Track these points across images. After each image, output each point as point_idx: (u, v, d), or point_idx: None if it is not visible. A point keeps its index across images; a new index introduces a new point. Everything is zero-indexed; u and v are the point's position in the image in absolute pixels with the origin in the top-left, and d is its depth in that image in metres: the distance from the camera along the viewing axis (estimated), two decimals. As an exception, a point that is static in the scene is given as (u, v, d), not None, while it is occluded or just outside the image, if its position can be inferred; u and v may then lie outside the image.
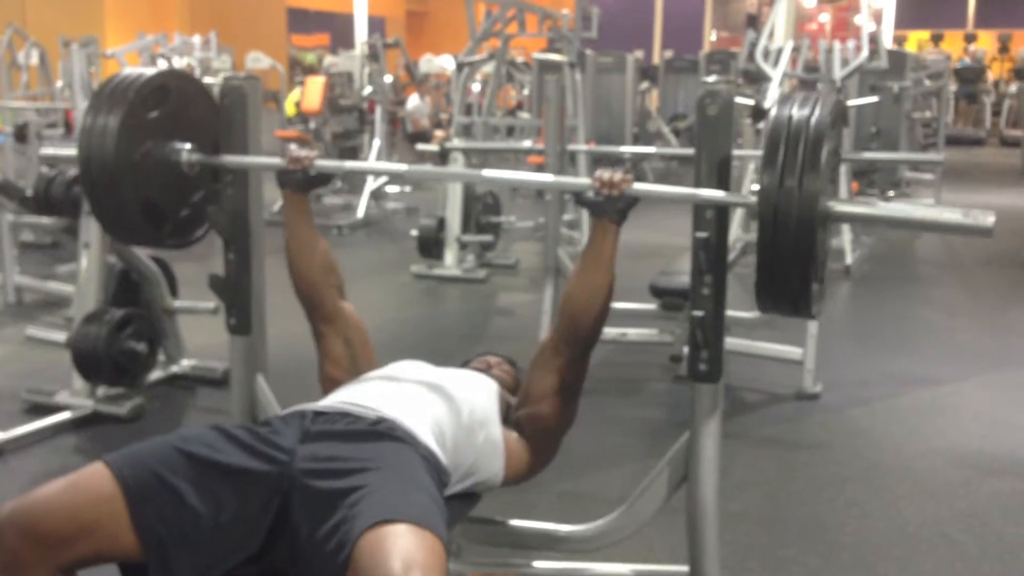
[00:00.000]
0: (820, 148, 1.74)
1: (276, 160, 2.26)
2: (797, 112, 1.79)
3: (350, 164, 2.31)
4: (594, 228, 2.05)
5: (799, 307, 1.83)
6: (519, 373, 2.49)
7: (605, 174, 1.99)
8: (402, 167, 2.24)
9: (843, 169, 6.84)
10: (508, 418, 2.18)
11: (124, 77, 2.22)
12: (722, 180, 1.97)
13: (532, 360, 2.16)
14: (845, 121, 6.81)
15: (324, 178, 2.27)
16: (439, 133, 11.64)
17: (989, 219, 1.73)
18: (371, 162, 2.19)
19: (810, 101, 1.82)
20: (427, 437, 1.87)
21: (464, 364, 2.44)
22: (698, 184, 1.98)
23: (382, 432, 1.83)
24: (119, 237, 2.30)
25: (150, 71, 2.26)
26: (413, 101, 12.85)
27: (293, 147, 2.26)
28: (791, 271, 1.77)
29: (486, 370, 2.36)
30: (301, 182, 2.24)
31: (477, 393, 2.09)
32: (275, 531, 1.71)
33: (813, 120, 1.77)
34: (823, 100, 1.82)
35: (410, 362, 2.19)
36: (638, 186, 2.01)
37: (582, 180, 2.06)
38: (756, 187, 1.78)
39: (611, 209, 2.01)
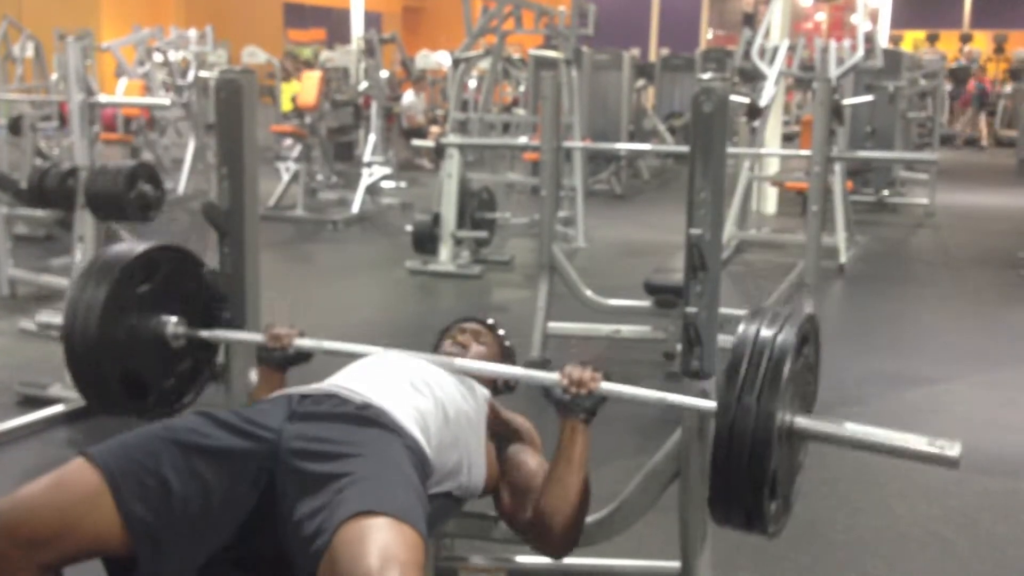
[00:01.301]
0: (782, 366, 1.74)
1: (257, 336, 2.25)
2: (764, 329, 1.79)
3: (329, 344, 2.22)
4: (563, 428, 1.99)
5: (752, 523, 1.80)
6: (501, 342, 2.46)
7: (575, 372, 1.95)
8: (377, 350, 2.16)
9: (838, 168, 6.86)
10: (496, 432, 2.18)
11: (114, 252, 2.22)
12: (716, 178, 1.98)
13: (526, 476, 2.12)
14: (840, 120, 6.81)
15: (304, 356, 2.23)
16: (435, 129, 11.64)
17: (955, 450, 1.71)
18: (351, 345, 2.15)
19: (779, 319, 1.81)
20: (413, 428, 1.87)
21: (442, 333, 2.43)
22: (692, 179, 1.99)
23: (369, 418, 1.82)
24: (101, 408, 2.29)
25: (141, 247, 2.24)
26: (408, 97, 12.84)
27: (276, 327, 2.23)
28: (744, 486, 1.75)
29: (466, 349, 2.34)
30: (280, 360, 2.21)
31: (467, 399, 2.08)
32: (261, 509, 1.71)
33: (779, 338, 1.77)
34: (792, 319, 1.82)
35: (404, 353, 2.18)
36: (607, 386, 1.97)
37: (551, 375, 1.99)
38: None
39: (580, 409, 1.96)
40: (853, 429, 1.83)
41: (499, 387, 2.36)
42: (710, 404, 1.85)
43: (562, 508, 1.99)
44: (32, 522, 1.59)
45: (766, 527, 1.79)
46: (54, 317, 2.69)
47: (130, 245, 2.26)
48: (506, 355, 2.45)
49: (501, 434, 2.20)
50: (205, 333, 2.30)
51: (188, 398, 2.38)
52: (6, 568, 1.58)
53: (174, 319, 2.26)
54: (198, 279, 2.37)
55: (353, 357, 2.18)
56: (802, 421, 1.82)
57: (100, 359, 2.14)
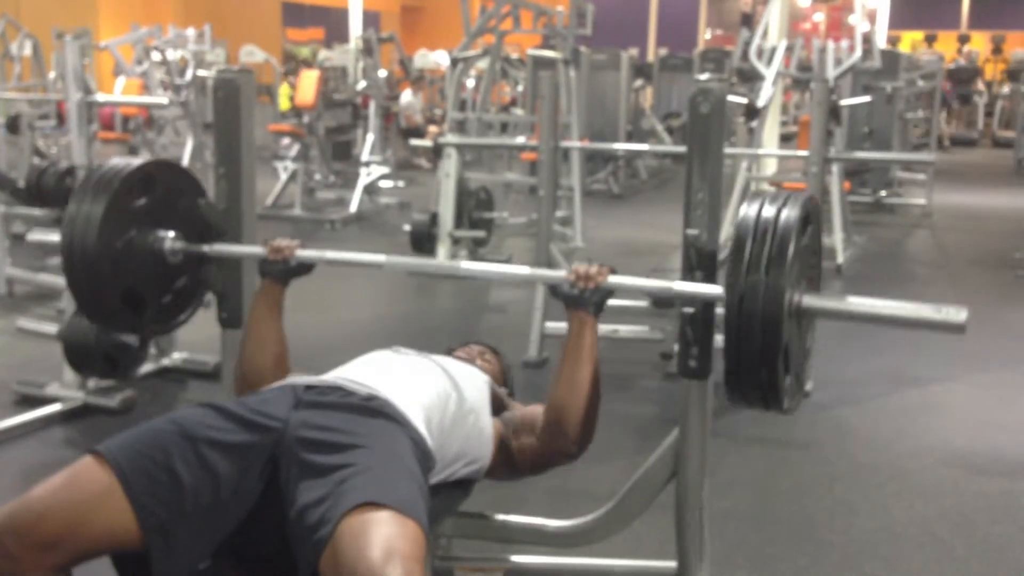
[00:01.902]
0: (788, 241, 1.75)
1: (257, 249, 2.24)
2: (766, 208, 1.81)
3: (331, 254, 2.26)
4: (571, 321, 2.03)
5: (768, 399, 1.81)
6: (503, 363, 2.51)
7: (581, 267, 2.00)
8: (380, 259, 2.20)
9: (835, 169, 6.86)
10: (497, 411, 2.19)
11: (111, 166, 2.22)
12: (713, 178, 1.98)
13: (529, 417, 2.14)
14: (838, 120, 6.80)
15: (305, 268, 2.23)
16: (433, 129, 11.64)
17: (961, 315, 1.72)
18: (352, 255, 2.20)
19: (780, 198, 1.83)
20: (417, 420, 1.88)
21: (448, 352, 2.44)
22: (690, 179, 1.99)
23: (374, 409, 1.83)
24: (99, 322, 2.29)
25: (137, 161, 2.25)
26: (407, 97, 12.84)
27: (277, 239, 2.23)
28: (758, 362, 1.76)
29: (471, 360, 2.36)
30: (282, 272, 2.21)
31: (467, 382, 2.10)
32: (265, 499, 1.72)
33: (782, 215, 1.78)
34: (793, 198, 1.83)
35: (401, 348, 2.19)
36: (614, 279, 2.01)
37: (558, 273, 2.04)
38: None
39: (588, 302, 2.00)
40: (860, 303, 1.85)
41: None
42: (716, 289, 1.87)
43: (573, 401, 2.00)
44: (46, 524, 1.59)
45: (781, 402, 1.81)
46: (49, 235, 2.67)
47: (127, 159, 2.26)
48: (506, 376, 2.49)
49: (498, 409, 2.21)
50: (204, 247, 2.31)
51: (184, 315, 2.40)
52: (18, 570, 1.58)
53: (172, 234, 2.26)
54: (195, 197, 2.36)
55: (353, 271, 2.18)
56: (809, 299, 1.83)
57: (99, 272, 2.14)
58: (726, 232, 7.02)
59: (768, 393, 1.79)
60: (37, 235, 2.92)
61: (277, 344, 2.19)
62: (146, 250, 2.24)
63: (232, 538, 1.73)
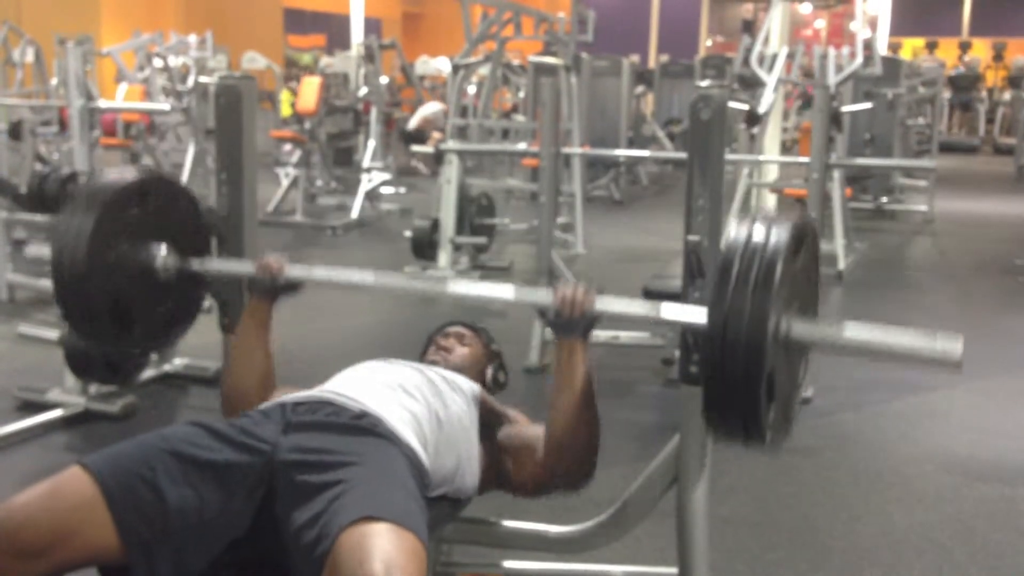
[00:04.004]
0: (775, 266, 1.65)
1: (247, 266, 2.23)
2: (756, 230, 1.71)
3: (320, 273, 2.23)
4: (560, 350, 1.96)
5: (750, 430, 1.71)
6: (484, 339, 2.45)
7: (568, 291, 1.91)
8: (368, 279, 2.19)
9: (837, 175, 6.87)
10: (492, 423, 2.16)
11: (105, 179, 2.20)
12: (714, 184, 1.98)
13: (530, 440, 2.09)
14: (839, 127, 6.80)
15: (294, 286, 2.19)
16: (435, 135, 11.63)
17: (957, 348, 1.63)
18: (341, 273, 2.19)
19: (770, 220, 1.74)
20: (410, 437, 1.86)
21: (429, 342, 2.41)
22: (690, 186, 1.99)
23: (365, 427, 1.82)
24: (86, 337, 2.26)
25: (131, 174, 2.22)
26: (432, 107, 12.52)
27: (267, 256, 2.21)
28: (739, 389, 1.65)
29: (449, 353, 2.33)
30: (270, 289, 2.18)
31: (458, 400, 2.07)
32: (259, 522, 1.71)
33: (772, 238, 1.68)
34: (784, 220, 1.74)
35: (394, 360, 2.17)
36: (601, 302, 1.94)
37: (544, 294, 1.96)
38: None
39: (576, 328, 1.93)
40: (853, 330, 1.75)
41: (487, 384, 2.35)
42: (702, 316, 1.75)
43: (573, 432, 1.94)
44: (27, 531, 1.58)
45: (763, 434, 1.70)
46: (47, 250, 2.66)
47: (120, 173, 2.23)
48: (491, 356, 2.43)
49: (493, 424, 2.16)
50: (196, 262, 2.27)
51: (176, 333, 2.36)
52: None
53: (164, 249, 2.22)
54: (189, 212, 2.33)
55: (342, 288, 2.20)
56: (799, 326, 1.74)
57: (88, 286, 2.11)
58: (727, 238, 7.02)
59: (749, 424, 1.69)
60: (35, 249, 2.92)
61: (263, 362, 2.16)
62: (137, 264, 2.20)
63: (223, 563, 1.72)
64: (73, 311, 2.17)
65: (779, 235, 1.69)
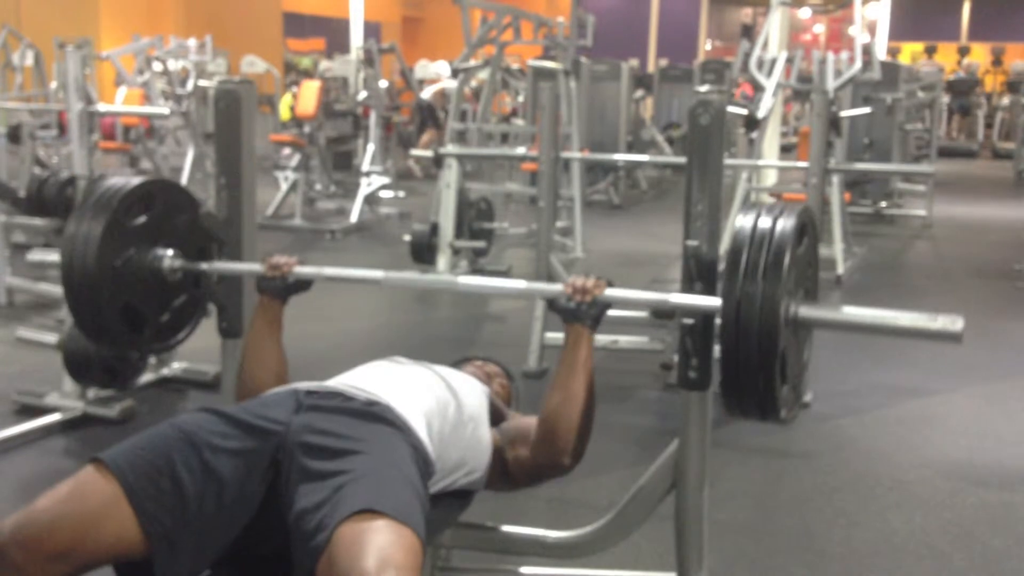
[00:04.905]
0: (784, 252, 1.76)
1: (255, 266, 2.25)
2: (762, 219, 1.82)
3: (330, 271, 2.25)
4: (568, 334, 2.02)
5: (765, 410, 1.82)
6: (513, 386, 2.50)
7: (578, 280, 1.99)
8: (378, 275, 2.21)
9: (836, 180, 6.87)
10: (495, 422, 2.19)
11: (110, 185, 2.22)
12: (713, 189, 1.98)
13: (524, 428, 2.13)
14: (838, 132, 6.82)
15: (304, 284, 2.23)
16: (426, 136, 11.65)
17: (957, 324, 1.73)
18: (351, 271, 2.21)
19: (775, 210, 1.85)
20: (418, 426, 1.88)
21: (459, 363, 2.44)
22: (689, 191, 1.99)
23: (375, 414, 1.84)
24: (98, 341, 2.30)
25: (136, 179, 2.25)
26: (449, 82, 12.38)
27: (275, 256, 2.24)
28: (755, 371, 1.76)
29: (485, 380, 2.35)
30: (280, 289, 2.20)
31: (466, 391, 2.10)
32: (265, 504, 1.73)
33: (778, 226, 1.80)
34: (788, 210, 1.85)
35: (400, 358, 2.20)
36: (611, 291, 2.00)
37: (555, 286, 2.04)
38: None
39: (585, 316, 1.99)
40: (856, 313, 1.88)
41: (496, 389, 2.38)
42: (714, 301, 1.86)
43: (567, 414, 1.99)
44: (52, 536, 1.59)
45: (778, 412, 1.81)
46: (48, 255, 2.67)
47: (125, 178, 2.27)
48: (513, 398, 2.48)
49: (497, 421, 2.20)
50: (203, 265, 2.31)
51: (183, 334, 2.40)
52: None
53: (170, 252, 2.26)
54: (193, 215, 2.36)
55: (352, 286, 2.25)
56: (805, 309, 1.85)
57: (98, 291, 2.14)
58: (726, 243, 7.03)
59: (765, 402, 1.80)
60: (37, 255, 2.93)
61: (277, 362, 2.19)
62: (145, 268, 2.24)
63: (233, 542, 1.74)
64: (85, 317, 2.21)
65: (785, 223, 1.80)
